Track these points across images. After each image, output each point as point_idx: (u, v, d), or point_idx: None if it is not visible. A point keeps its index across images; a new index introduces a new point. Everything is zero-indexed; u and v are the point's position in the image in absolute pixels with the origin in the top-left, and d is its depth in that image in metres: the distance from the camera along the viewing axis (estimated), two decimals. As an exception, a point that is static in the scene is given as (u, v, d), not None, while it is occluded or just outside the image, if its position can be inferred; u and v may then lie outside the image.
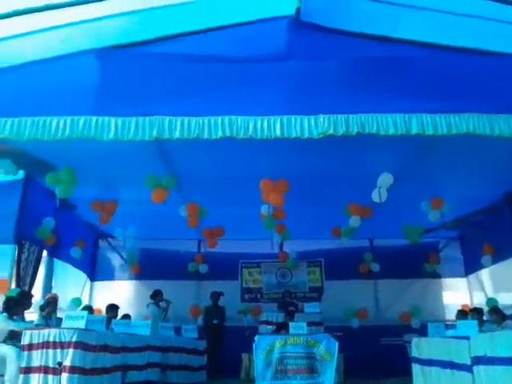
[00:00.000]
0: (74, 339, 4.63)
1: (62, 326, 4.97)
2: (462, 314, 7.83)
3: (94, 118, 4.73)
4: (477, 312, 7.25)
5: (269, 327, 8.23)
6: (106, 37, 4.80)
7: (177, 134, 4.73)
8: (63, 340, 4.65)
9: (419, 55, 5.00)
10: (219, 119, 4.76)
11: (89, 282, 10.35)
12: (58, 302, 6.96)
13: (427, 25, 5.05)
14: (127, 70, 4.93)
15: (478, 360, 5.13)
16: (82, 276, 9.99)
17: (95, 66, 4.82)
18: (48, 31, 4.70)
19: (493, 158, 6.19)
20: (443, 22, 4.94)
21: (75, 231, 9.04)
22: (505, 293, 8.91)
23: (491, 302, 8.52)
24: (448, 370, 5.60)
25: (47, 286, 8.51)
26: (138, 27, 4.85)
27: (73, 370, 4.53)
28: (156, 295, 8.27)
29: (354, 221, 8.16)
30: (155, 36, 4.86)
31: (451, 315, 9.01)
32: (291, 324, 6.56)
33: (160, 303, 8.21)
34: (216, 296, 9.19)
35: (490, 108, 4.86)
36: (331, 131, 4.71)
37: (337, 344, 6.15)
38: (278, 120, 4.73)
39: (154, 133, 4.73)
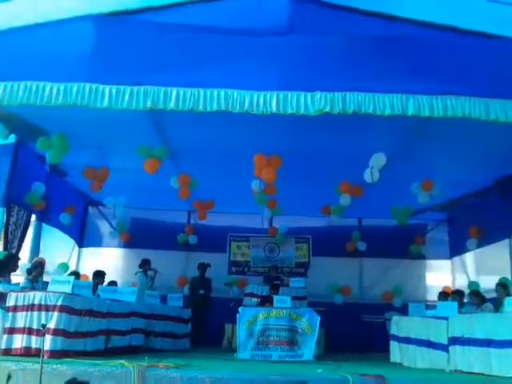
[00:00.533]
0: (59, 303, 4.69)
1: (48, 289, 5.02)
2: (444, 295, 8.00)
3: (88, 86, 4.68)
4: (458, 294, 7.42)
5: (254, 300, 8.36)
6: (104, 3, 4.71)
7: (171, 105, 4.70)
8: (49, 303, 4.71)
9: (421, 35, 4.97)
10: (215, 92, 4.73)
11: (77, 248, 10.39)
12: (45, 267, 7.00)
13: (431, 4, 5.01)
14: (123, 38, 4.86)
15: (455, 340, 5.28)
16: (70, 242, 10.02)
17: (91, 33, 4.76)
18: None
19: (486, 143, 6.21)
20: (447, 2, 4.90)
21: (65, 197, 9.03)
22: (487, 276, 9.08)
23: (473, 285, 8.69)
24: (424, 349, 5.77)
25: (35, 250, 8.53)
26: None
27: (56, 332, 4.60)
28: (144, 264, 8.35)
29: (345, 199, 8.20)
30: (154, 4, 4.78)
31: (433, 296, 9.21)
32: (275, 297, 6.67)
33: (148, 272, 8.28)
34: (203, 267, 9.29)
35: (487, 92, 4.85)
36: (327, 109, 4.70)
37: (319, 318, 6.29)
38: (275, 95, 4.71)
39: (149, 103, 4.70)
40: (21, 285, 6.15)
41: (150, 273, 8.30)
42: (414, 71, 4.87)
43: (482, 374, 4.71)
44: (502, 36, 4.95)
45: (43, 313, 4.69)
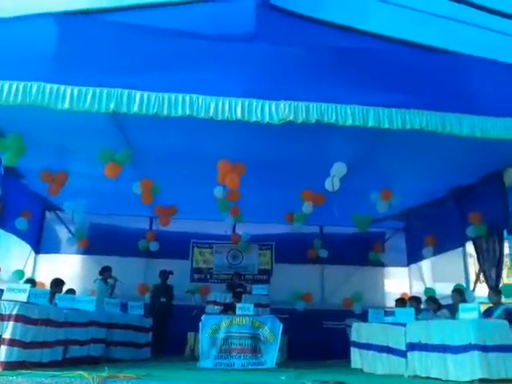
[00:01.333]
0: (14, 312, 4.51)
1: (3, 298, 4.81)
2: (401, 301, 8.22)
3: (49, 86, 4.54)
4: (415, 300, 7.64)
5: (216, 307, 8.31)
6: (68, 1, 4.59)
7: (135, 109, 4.63)
8: (3, 312, 4.52)
9: (382, 49, 5.13)
10: (180, 96, 4.69)
11: (33, 254, 10.02)
12: (0, 274, 6.72)
13: (393, 20, 5.17)
14: (87, 38, 4.74)
15: (413, 346, 5.43)
16: (26, 247, 9.65)
17: (53, 31, 4.62)
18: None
19: (443, 154, 6.47)
20: (408, 18, 5.07)
21: (22, 201, 8.70)
22: (442, 283, 9.38)
23: (429, 291, 8.96)
24: (384, 354, 5.90)
25: (-12, 257, 8.17)
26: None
27: (12, 342, 4.42)
28: (104, 271, 8.14)
29: (307, 207, 8.30)
30: (120, 5, 4.70)
31: (391, 302, 9.41)
32: (238, 305, 6.66)
33: (108, 280, 8.08)
34: (165, 274, 9.16)
35: (444, 106, 5.06)
36: (291, 118, 4.76)
37: (281, 326, 6.33)
38: (240, 103, 4.73)
39: (112, 105, 4.60)
40: (-27, 293, 5.87)
41: (110, 281, 8.09)
42: (375, 83, 5.02)
43: (439, 379, 4.86)
44: (458, 52, 5.19)
45: (-2, 322, 4.49)
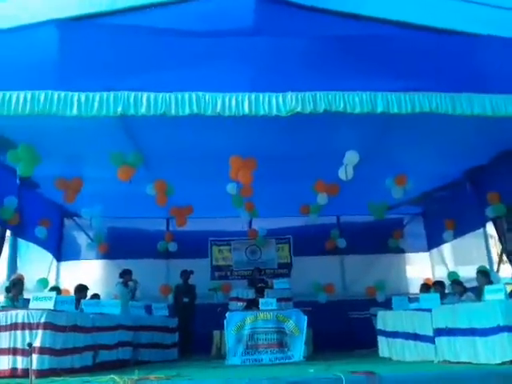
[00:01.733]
0: (42, 320, 4.56)
1: (30, 307, 4.87)
2: (426, 287, 8.13)
3: (56, 93, 4.56)
4: (440, 285, 7.53)
5: (239, 304, 8.32)
6: (68, 7, 4.59)
7: (143, 110, 4.63)
8: (32, 321, 4.57)
9: (386, 33, 5.04)
10: (186, 95, 4.68)
11: (55, 262, 10.13)
12: (24, 283, 6.81)
13: (397, 3, 5.09)
14: (90, 43, 4.73)
15: (440, 331, 5.36)
16: (47, 256, 9.75)
17: (56, 38, 4.61)
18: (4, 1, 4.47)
19: (455, 135, 6.35)
20: (412, 0, 4.98)
21: (39, 210, 8.81)
22: (465, 266, 9.27)
23: (452, 275, 8.86)
24: (411, 342, 5.84)
25: (12, 267, 8.28)
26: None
27: (43, 350, 4.47)
28: (125, 274, 8.20)
29: (322, 198, 8.26)
30: (120, 7, 4.69)
31: (414, 289, 9.36)
32: (261, 300, 6.66)
33: (128, 283, 8.14)
34: (186, 274, 9.19)
35: (453, 87, 4.97)
36: (299, 109, 4.72)
37: (306, 319, 6.31)
38: (246, 97, 4.71)
39: (119, 109, 4.61)
40: (0, 304, 5.97)
41: (131, 284, 8.15)
42: (381, 69, 4.95)
43: (470, 363, 4.79)
44: (465, 32, 5.07)
45: (27, 331, 4.54)
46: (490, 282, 6.30)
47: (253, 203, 8.47)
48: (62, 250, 10.36)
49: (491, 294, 5.04)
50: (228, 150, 6.64)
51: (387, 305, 7.19)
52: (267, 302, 6.51)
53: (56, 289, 7.37)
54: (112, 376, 4.00)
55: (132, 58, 4.78)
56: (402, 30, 5.08)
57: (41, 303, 4.81)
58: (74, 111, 4.55)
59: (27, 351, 3.93)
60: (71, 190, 7.49)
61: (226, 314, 6.39)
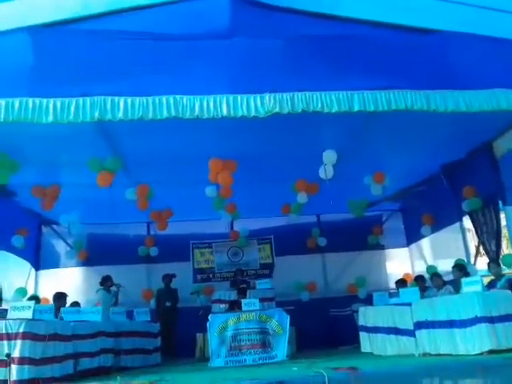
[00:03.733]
0: (21, 330, 4.48)
1: (8, 317, 4.77)
2: (402, 282, 8.25)
3: (31, 100, 4.51)
4: (421, 279, 7.65)
5: (222, 306, 8.32)
6: (40, 13, 4.53)
7: (120, 115, 4.61)
8: (10, 331, 4.47)
9: (361, 33, 5.12)
10: (164, 99, 4.68)
11: (33, 271, 9.96)
12: (2, 293, 6.68)
13: (368, 2, 5.16)
14: (65, 49, 4.69)
15: (420, 324, 5.46)
16: (25, 265, 9.59)
17: (29, 45, 4.56)
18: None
19: (430, 132, 6.50)
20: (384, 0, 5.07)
21: (16, 219, 8.66)
22: (443, 260, 9.43)
23: (431, 269, 9.01)
24: (392, 336, 5.94)
25: (-11, 278, 8.11)
26: (75, 3, 4.61)
27: (22, 360, 4.39)
28: (105, 281, 8.11)
29: (302, 197, 8.33)
30: (94, 12, 4.65)
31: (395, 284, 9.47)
32: (243, 301, 6.67)
33: (111, 288, 8.06)
34: (168, 278, 9.15)
35: (427, 84, 5.09)
36: (277, 109, 4.77)
37: (288, 318, 6.34)
38: (224, 99, 4.73)
39: (96, 114, 4.59)
40: (-23, 315, 5.83)
41: (113, 289, 8.07)
42: (357, 68, 5.04)
43: (450, 355, 4.90)
44: (437, 30, 5.19)
45: (5, 342, 4.44)
46: (467, 275, 6.45)
47: (234, 204, 8.48)
48: (40, 258, 10.18)
49: (469, 286, 5.17)
50: (207, 152, 6.64)
51: (369, 301, 7.29)
52: (250, 303, 6.53)
53: (35, 298, 7.24)
54: (94, 384, 3.97)
55: (108, 63, 4.75)
56: (377, 29, 5.17)
57: (19, 313, 4.72)
58: (50, 118, 4.51)
59: (6, 362, 3.85)
60: (49, 197, 7.39)
61: (209, 317, 6.39)
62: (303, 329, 7.95)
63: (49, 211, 7.99)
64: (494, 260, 7.05)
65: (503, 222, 7.47)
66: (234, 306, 7.20)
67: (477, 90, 5.16)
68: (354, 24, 5.13)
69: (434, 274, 7.42)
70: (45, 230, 10.36)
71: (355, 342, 6.95)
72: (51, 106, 4.53)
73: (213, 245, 10.88)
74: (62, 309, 6.11)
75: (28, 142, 5.91)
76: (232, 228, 10.56)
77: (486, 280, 6.24)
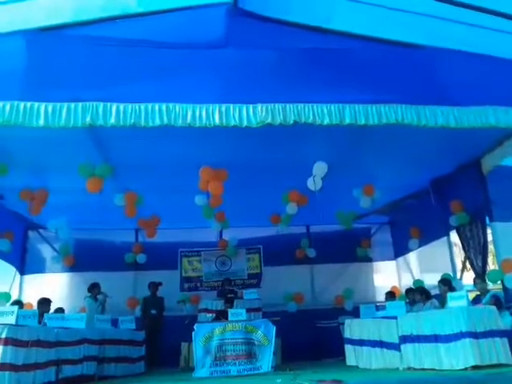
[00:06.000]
0: (3, 335, 4.43)
1: (-10, 322, 4.72)
2: (391, 295, 8.27)
3: (22, 104, 4.50)
4: (412, 293, 7.63)
5: (208, 315, 8.26)
6: (35, 17, 4.52)
7: (112, 121, 4.61)
8: (-8, 337, 4.43)
9: (353, 47, 5.16)
10: (156, 106, 4.69)
11: (18, 276, 9.84)
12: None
13: (360, 17, 5.22)
14: (58, 54, 4.69)
15: (405, 338, 5.47)
16: (10, 269, 9.48)
17: (23, 49, 4.55)
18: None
19: (420, 146, 6.57)
20: (376, 15, 5.13)
21: (2, 222, 8.56)
22: (430, 273, 9.48)
23: (417, 282, 9.05)
24: (378, 349, 5.93)
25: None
26: (70, 8, 4.61)
27: (3, 366, 4.33)
28: (93, 288, 8.03)
29: (291, 208, 8.35)
30: (88, 18, 4.65)
31: (381, 297, 9.48)
32: (230, 311, 6.64)
33: (98, 296, 7.98)
34: (154, 286, 9.08)
35: (418, 99, 5.17)
36: (269, 120, 4.81)
37: (274, 329, 6.32)
38: (217, 108, 4.75)
39: (88, 119, 4.58)
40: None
41: (100, 297, 7.99)
42: (349, 81, 5.09)
43: (434, 370, 4.90)
44: (428, 46, 5.26)
45: (-13, 348, 4.40)
46: (453, 290, 6.48)
47: (223, 213, 8.47)
48: (25, 262, 10.07)
49: (454, 301, 5.19)
50: (198, 160, 6.65)
51: (355, 313, 7.29)
52: (236, 313, 6.50)
53: (18, 303, 7.14)
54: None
55: (101, 69, 4.76)
56: (369, 44, 5.22)
57: (2, 318, 4.66)
58: (41, 122, 4.50)
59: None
60: (36, 201, 7.33)
61: (195, 326, 6.35)
62: (289, 340, 7.91)
63: (36, 215, 7.90)
64: (480, 275, 7.10)
65: (490, 238, 7.54)
66: (221, 315, 7.15)
67: (466, 107, 5.24)
68: (346, 38, 5.17)
69: (417, 288, 7.42)
70: (31, 234, 10.25)
71: (341, 354, 6.92)
72: (42, 109, 4.52)
73: (201, 253, 10.82)
74: (45, 315, 6.04)
75: (17, 145, 5.89)
76: (221, 237, 10.54)
77: (472, 295, 6.29)
